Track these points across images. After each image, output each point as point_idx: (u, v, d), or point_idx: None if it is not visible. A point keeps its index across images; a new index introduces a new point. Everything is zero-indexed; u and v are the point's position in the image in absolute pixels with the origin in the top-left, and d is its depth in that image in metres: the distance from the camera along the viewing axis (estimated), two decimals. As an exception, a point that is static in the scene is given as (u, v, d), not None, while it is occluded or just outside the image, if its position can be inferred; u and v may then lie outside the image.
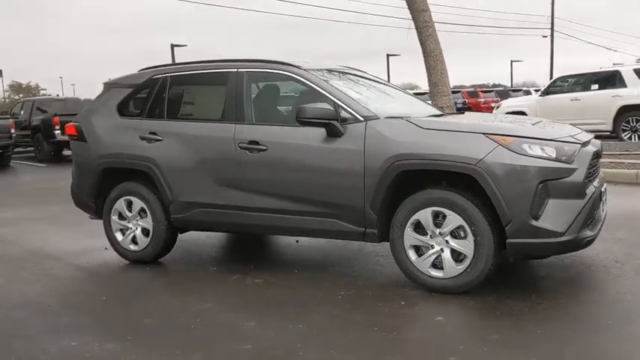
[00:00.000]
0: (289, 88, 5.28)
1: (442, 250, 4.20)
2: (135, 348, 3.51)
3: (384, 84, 5.99)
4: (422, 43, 13.28)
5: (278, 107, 5.33)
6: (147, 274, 5.19)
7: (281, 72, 4.99)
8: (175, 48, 33.08)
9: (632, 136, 14.12)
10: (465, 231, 4.10)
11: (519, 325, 3.61)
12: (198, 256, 5.75)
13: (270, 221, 4.84)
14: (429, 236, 4.24)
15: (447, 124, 4.39)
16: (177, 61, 34.48)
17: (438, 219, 4.20)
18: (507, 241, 4.00)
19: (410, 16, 13.48)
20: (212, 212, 5.06)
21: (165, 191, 5.19)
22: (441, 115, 5.19)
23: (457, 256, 4.16)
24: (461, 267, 4.14)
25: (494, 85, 47.03)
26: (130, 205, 5.45)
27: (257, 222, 4.90)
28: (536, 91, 33.95)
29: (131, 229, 5.47)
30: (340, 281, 4.65)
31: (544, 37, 45.20)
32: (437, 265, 4.24)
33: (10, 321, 4.11)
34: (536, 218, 3.93)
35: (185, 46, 33.83)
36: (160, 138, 5.23)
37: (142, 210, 5.38)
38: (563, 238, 3.95)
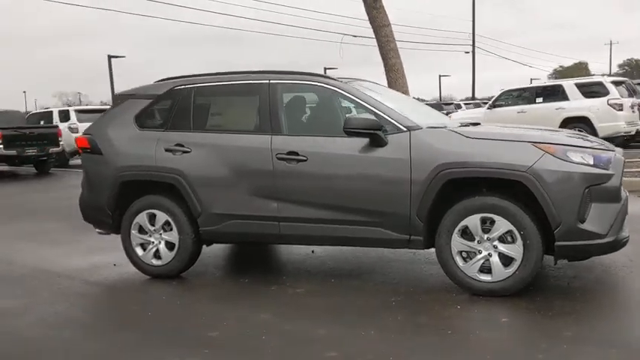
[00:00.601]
0: (323, 99, 5.33)
1: (490, 254, 4.38)
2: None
3: (402, 95, 6.17)
4: (384, 58, 13.61)
5: (312, 118, 5.39)
6: (177, 288, 5.09)
7: (317, 84, 5.06)
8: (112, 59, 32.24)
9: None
10: (513, 235, 4.30)
11: (583, 322, 3.82)
12: (217, 268, 5.71)
13: (308, 231, 4.87)
14: (476, 242, 4.41)
15: (492, 134, 4.59)
16: (113, 72, 33.69)
17: (486, 225, 4.38)
18: (556, 244, 4.23)
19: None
20: (246, 223, 5.03)
21: (194, 203, 5.11)
22: (477, 125, 5.39)
23: (505, 260, 4.35)
24: (509, 270, 4.33)
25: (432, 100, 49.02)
26: (152, 218, 5.33)
27: (294, 232, 4.92)
28: (467, 104, 35.58)
29: (153, 243, 5.35)
30: (383, 288, 4.75)
31: (466, 52, 47.33)
32: (484, 269, 4.41)
33: (67, 341, 3.95)
34: (583, 221, 4.18)
35: (124, 57, 33.05)
36: (188, 149, 5.16)
37: (166, 223, 5.28)
38: (606, 240, 4.22)
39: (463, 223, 4.41)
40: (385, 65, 13.65)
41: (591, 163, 4.29)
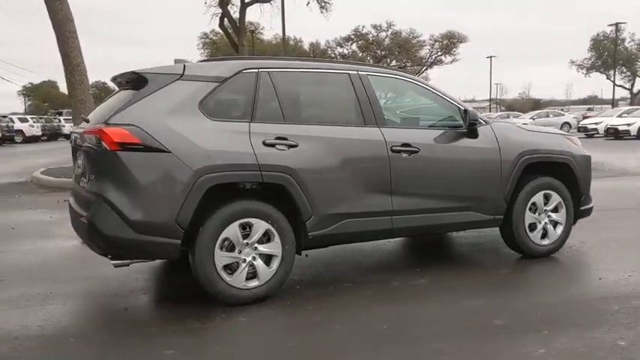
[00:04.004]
0: (407, 92, 5.30)
1: (547, 223, 5.52)
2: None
3: None
4: (65, 56, 12.30)
5: (406, 110, 5.27)
6: (282, 306, 4.31)
7: (401, 78, 5.12)
8: None
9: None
10: (561, 206, 5.55)
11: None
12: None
13: (417, 222, 4.94)
14: (537, 214, 5.47)
15: (538, 128, 5.70)
16: None
17: (546, 200, 5.50)
18: (580, 208, 5.70)
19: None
20: (361, 222, 4.69)
21: (306, 205, 4.43)
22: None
23: (554, 225, 5.56)
24: (558, 231, 5.56)
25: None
26: (245, 229, 4.29)
27: (405, 225, 4.89)
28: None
29: (245, 261, 4.31)
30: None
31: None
32: (543, 235, 5.52)
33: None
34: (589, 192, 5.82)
35: None
36: (294, 143, 4.42)
37: (264, 234, 4.35)
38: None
39: (532, 200, 5.42)
40: (67, 65, 12.32)
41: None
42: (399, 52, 57.61)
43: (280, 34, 51.70)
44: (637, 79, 60.71)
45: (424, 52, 59.65)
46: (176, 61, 4.79)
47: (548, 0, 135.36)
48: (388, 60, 57.97)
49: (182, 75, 4.33)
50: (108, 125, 4.04)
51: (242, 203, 4.29)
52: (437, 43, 59.15)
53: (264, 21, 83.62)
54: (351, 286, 4.76)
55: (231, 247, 4.27)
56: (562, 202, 5.55)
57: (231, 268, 4.27)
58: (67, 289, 4.85)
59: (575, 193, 5.64)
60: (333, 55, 58.26)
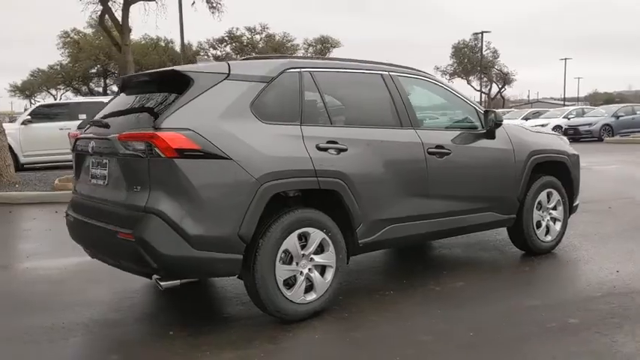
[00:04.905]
0: (433, 94, 5.19)
1: (548, 220, 5.70)
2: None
3: None
4: None
5: (431, 111, 5.14)
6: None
7: (427, 79, 5.05)
8: None
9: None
10: (559, 203, 5.76)
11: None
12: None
13: (448, 225, 4.90)
14: (542, 212, 5.64)
15: (537, 130, 5.86)
16: None
17: (548, 198, 5.68)
18: (572, 205, 5.96)
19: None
20: (405, 226, 4.56)
21: (357, 211, 4.23)
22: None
23: (554, 222, 5.76)
24: (557, 228, 5.76)
25: None
26: (301, 240, 4.00)
27: (438, 228, 4.83)
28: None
29: (302, 273, 4.01)
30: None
31: None
32: (546, 232, 5.70)
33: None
34: None
35: None
36: (344, 147, 4.20)
37: (319, 244, 4.09)
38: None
39: (538, 198, 5.57)
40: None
41: None
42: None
43: (149, 34, 50.21)
44: (492, 84, 65.75)
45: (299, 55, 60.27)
46: (199, 60, 4.41)
47: (416, 10, 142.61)
48: (264, 62, 57.91)
49: (229, 74, 3.95)
50: (160, 130, 3.58)
51: (299, 212, 3.99)
52: (311, 47, 60.15)
53: (150, 20, 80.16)
54: (393, 293, 4.60)
55: (289, 260, 3.96)
56: (560, 200, 5.77)
57: (288, 283, 3.97)
58: (77, 317, 4.24)
59: (568, 190, 5.89)
60: (206, 58, 57.08)
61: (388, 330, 3.84)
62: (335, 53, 58.22)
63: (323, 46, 59.65)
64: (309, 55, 55.73)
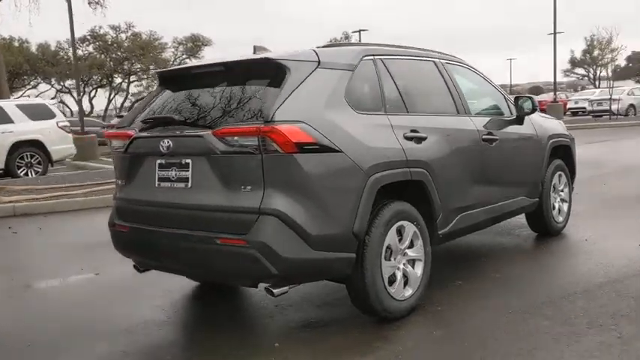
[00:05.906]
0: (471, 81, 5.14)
1: (559, 201, 5.92)
2: None
3: None
4: None
5: (471, 99, 5.06)
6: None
7: (466, 66, 5.05)
8: None
9: (29, 172, 13.96)
10: (566, 185, 6.02)
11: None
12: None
13: (497, 212, 4.93)
14: (556, 193, 5.85)
15: (545, 115, 6.04)
16: None
17: (559, 180, 5.90)
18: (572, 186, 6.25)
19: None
20: (470, 215, 4.53)
21: (438, 202, 4.13)
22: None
23: (562, 202, 5.99)
24: (565, 208, 6.01)
25: None
26: (399, 233, 3.83)
27: (490, 215, 4.84)
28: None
29: (399, 268, 3.84)
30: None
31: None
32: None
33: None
34: None
35: None
36: (424, 136, 4.08)
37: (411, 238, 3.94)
38: None
39: (554, 181, 5.77)
40: None
41: None
42: (142, 54, 55.34)
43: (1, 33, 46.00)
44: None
45: (168, 54, 58.29)
46: (256, 48, 4.11)
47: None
48: (132, 62, 55.60)
49: (319, 62, 3.67)
50: (273, 123, 3.24)
51: (395, 205, 3.80)
52: (181, 46, 58.39)
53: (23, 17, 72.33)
54: (462, 283, 4.53)
55: (389, 256, 3.77)
56: (567, 182, 6.03)
57: (390, 280, 3.77)
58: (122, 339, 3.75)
59: (571, 171, 6.17)
60: (66, 58, 53.34)
61: (476, 322, 3.75)
62: (207, 52, 56.88)
63: (194, 44, 58.01)
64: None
